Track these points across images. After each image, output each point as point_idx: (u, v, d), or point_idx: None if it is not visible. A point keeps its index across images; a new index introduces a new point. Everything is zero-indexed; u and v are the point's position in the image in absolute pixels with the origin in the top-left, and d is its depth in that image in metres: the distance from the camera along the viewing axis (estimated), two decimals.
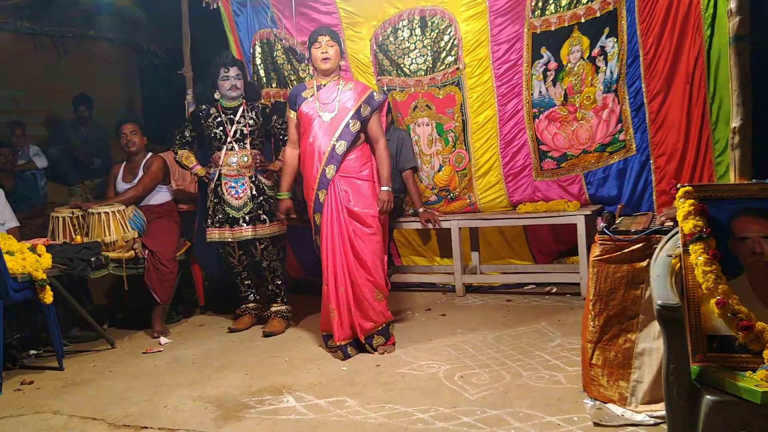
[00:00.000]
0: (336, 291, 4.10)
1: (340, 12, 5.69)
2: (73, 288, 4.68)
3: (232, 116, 4.85)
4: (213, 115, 4.87)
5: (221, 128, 4.84)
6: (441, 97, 5.58)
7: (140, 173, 5.33)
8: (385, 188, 4.25)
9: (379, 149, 4.29)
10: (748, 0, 2.90)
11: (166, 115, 6.90)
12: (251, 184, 4.85)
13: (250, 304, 5.06)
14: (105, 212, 4.87)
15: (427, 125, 5.65)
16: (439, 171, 5.67)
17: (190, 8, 6.17)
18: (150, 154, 5.45)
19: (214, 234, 4.88)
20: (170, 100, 6.91)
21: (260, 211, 4.86)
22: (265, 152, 5.03)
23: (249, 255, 4.97)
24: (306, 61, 5.84)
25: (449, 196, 5.70)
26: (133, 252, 4.91)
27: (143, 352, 4.55)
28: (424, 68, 5.59)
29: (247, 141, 4.85)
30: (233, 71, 4.84)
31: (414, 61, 5.62)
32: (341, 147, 4.15)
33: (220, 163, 4.83)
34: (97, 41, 8.20)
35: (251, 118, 4.89)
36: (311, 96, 4.28)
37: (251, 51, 6.11)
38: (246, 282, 5.06)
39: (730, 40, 2.88)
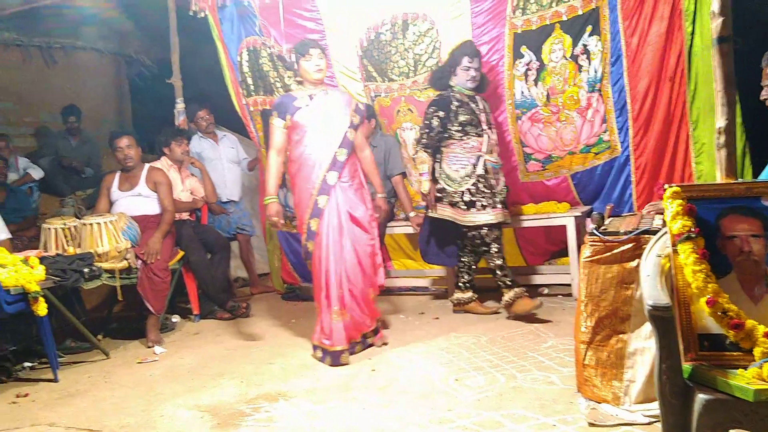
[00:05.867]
0: (343, 294, 4.16)
1: (325, 19, 5.70)
2: (67, 299, 4.67)
3: (476, 104, 4.86)
4: (462, 101, 4.81)
5: (473, 114, 4.79)
6: (422, 99, 5.56)
7: (140, 184, 5.35)
8: (380, 195, 4.51)
9: (366, 158, 4.45)
10: (730, 1, 2.92)
11: (156, 124, 6.89)
12: (502, 172, 4.94)
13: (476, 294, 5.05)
14: (97, 223, 4.86)
15: (411, 129, 5.65)
16: None
17: (178, 17, 6.19)
18: (148, 165, 5.46)
19: (489, 215, 4.73)
20: (160, 109, 6.91)
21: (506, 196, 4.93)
22: None
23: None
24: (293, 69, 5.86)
25: None
26: (126, 262, 4.90)
27: (138, 362, 4.54)
28: (406, 71, 5.59)
29: (492, 129, 4.89)
30: (476, 62, 4.82)
31: (396, 65, 5.61)
32: (342, 155, 4.24)
33: (484, 149, 4.78)
34: (85, 52, 8.19)
35: (486, 106, 4.94)
36: (305, 105, 4.29)
37: (239, 59, 6.11)
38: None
39: (713, 41, 2.91)
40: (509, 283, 4.72)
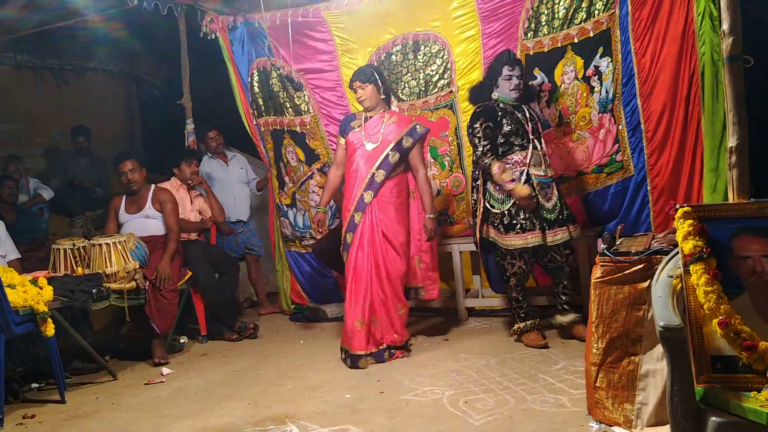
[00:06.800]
0: (364, 303, 4.50)
1: (336, 39, 5.72)
2: (75, 320, 4.66)
3: (523, 114, 4.63)
4: (508, 111, 4.59)
5: (520, 125, 4.57)
6: (434, 120, 5.56)
7: (147, 206, 5.36)
8: (430, 216, 4.71)
9: (420, 179, 4.73)
10: (740, 20, 2.91)
11: (165, 145, 6.92)
12: (555, 185, 4.66)
13: (537, 319, 4.67)
14: (106, 243, 4.87)
15: None
16: (437, 195, 5.66)
17: (189, 38, 6.23)
18: (154, 186, 5.47)
19: (525, 239, 4.49)
20: (170, 129, 6.94)
21: (566, 212, 4.62)
22: None
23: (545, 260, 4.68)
24: (303, 89, 5.88)
25: (449, 220, 5.70)
26: (134, 283, 4.90)
27: (145, 384, 4.52)
28: (417, 92, 5.58)
29: (542, 141, 4.67)
30: (518, 70, 4.62)
31: (407, 85, 5.61)
32: (380, 175, 4.59)
33: (527, 162, 4.55)
34: (96, 73, 8.26)
35: (537, 116, 4.75)
36: (358, 127, 4.72)
37: (249, 80, 6.14)
38: (524, 295, 4.69)
39: (724, 60, 2.89)
40: (522, 315, 4.65)
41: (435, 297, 5.00)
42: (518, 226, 4.51)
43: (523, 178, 4.52)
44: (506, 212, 4.54)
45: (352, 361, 4.43)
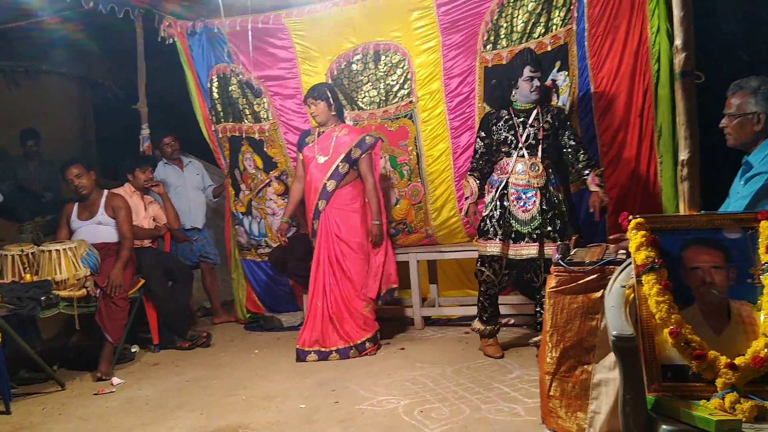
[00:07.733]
0: (311, 302, 4.93)
1: (296, 47, 5.69)
2: (22, 328, 4.53)
3: (525, 119, 4.46)
4: (503, 118, 4.50)
5: (512, 132, 4.45)
6: (393, 129, 5.57)
7: (99, 212, 5.24)
8: (375, 222, 5.03)
9: (367, 187, 5.07)
10: (693, 36, 2.98)
11: (120, 150, 6.80)
12: (541, 197, 4.41)
13: (497, 326, 4.64)
14: (56, 250, 4.75)
15: (381, 158, 5.63)
16: (396, 204, 5.66)
17: (146, 42, 6.15)
18: (106, 192, 5.36)
19: (486, 247, 4.48)
20: (125, 134, 6.83)
21: (549, 228, 4.37)
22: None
23: (518, 273, 4.64)
24: (262, 96, 5.85)
25: (406, 229, 5.70)
26: (84, 290, 4.78)
27: (95, 394, 4.42)
28: (377, 101, 5.59)
29: (539, 147, 4.43)
30: (539, 72, 4.45)
31: (367, 94, 5.61)
32: (331, 185, 4.99)
33: (509, 170, 4.45)
34: (50, 75, 8.06)
35: (546, 121, 4.45)
36: (312, 142, 5.11)
37: (208, 85, 6.08)
38: (491, 302, 4.61)
39: (676, 75, 2.96)
40: (484, 320, 4.61)
41: (372, 296, 5.02)
42: (487, 232, 4.50)
43: (501, 185, 4.47)
44: (486, 217, 4.53)
45: (297, 354, 4.83)
